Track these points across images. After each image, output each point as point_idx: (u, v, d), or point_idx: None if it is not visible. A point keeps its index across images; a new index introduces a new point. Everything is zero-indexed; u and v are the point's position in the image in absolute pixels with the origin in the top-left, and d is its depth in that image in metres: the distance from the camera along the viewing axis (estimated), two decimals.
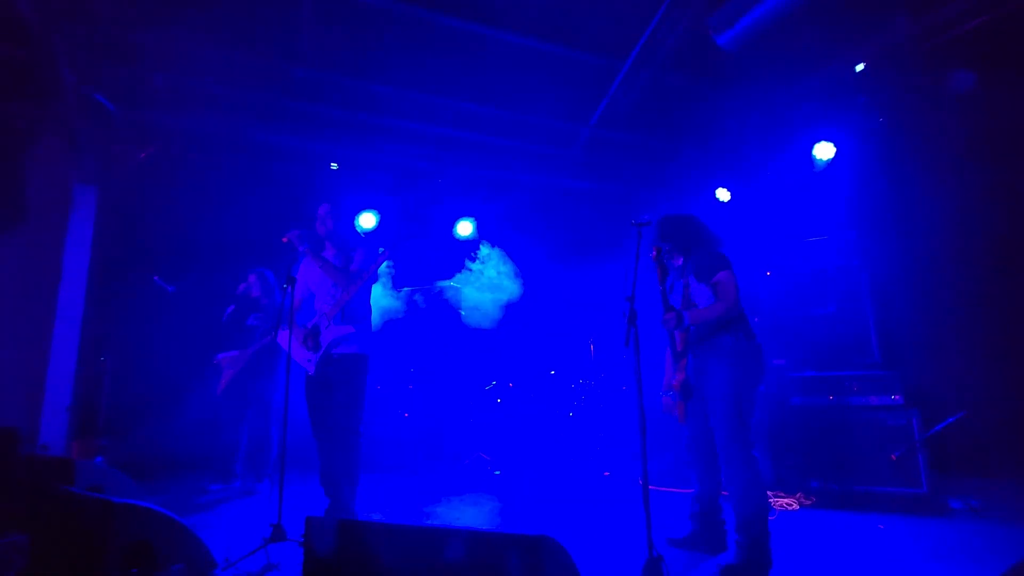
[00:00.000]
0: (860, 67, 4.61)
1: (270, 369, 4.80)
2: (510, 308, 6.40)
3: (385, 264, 5.47)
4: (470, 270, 6.43)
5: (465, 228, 6.63)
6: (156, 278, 4.94)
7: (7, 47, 4.23)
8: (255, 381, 4.77)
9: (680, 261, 3.16)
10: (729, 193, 5.88)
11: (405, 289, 6.29)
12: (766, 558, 2.64)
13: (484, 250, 6.44)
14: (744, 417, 2.78)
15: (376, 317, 6.02)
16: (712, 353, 2.92)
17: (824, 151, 5.07)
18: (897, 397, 4.03)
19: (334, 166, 6.09)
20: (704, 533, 3.04)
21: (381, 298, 6.14)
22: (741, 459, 2.74)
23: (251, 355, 4.77)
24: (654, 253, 2.87)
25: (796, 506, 4.03)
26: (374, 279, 3.78)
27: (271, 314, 4.83)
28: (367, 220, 6.38)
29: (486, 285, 6.24)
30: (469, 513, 4.04)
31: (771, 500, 3.64)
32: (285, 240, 3.46)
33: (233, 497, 4.45)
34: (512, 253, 6.65)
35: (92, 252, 5.14)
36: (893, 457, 3.88)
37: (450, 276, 6.42)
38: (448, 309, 6.37)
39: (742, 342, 2.87)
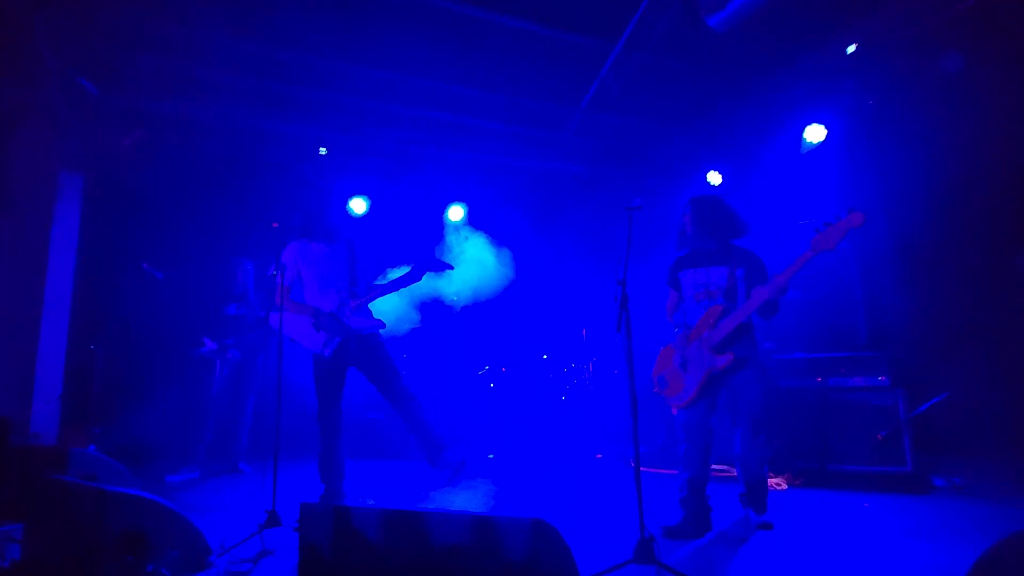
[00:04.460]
0: (851, 48, 4.59)
1: (265, 355, 4.93)
2: (502, 292, 6.39)
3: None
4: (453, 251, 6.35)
5: (456, 213, 6.59)
6: (145, 265, 4.91)
7: None
8: (253, 368, 4.92)
9: (713, 246, 3.22)
10: (720, 176, 5.87)
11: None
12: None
13: (466, 233, 6.35)
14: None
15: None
16: (746, 340, 3.13)
17: (815, 133, 5.06)
18: (883, 378, 4.08)
19: (323, 151, 6.02)
20: (694, 518, 3.08)
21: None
22: (764, 432, 3.11)
23: (248, 343, 4.87)
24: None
25: (785, 485, 4.10)
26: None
27: (258, 303, 4.90)
28: (357, 205, 6.33)
29: (470, 261, 6.17)
30: (463, 497, 4.07)
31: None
32: (275, 225, 3.43)
33: (227, 482, 4.48)
34: (503, 237, 6.62)
35: (79, 239, 5.08)
36: (879, 437, 3.95)
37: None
38: (438, 294, 6.35)
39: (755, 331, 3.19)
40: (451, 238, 6.18)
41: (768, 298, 2.92)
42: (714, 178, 5.90)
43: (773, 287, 2.90)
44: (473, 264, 5.90)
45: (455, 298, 6.17)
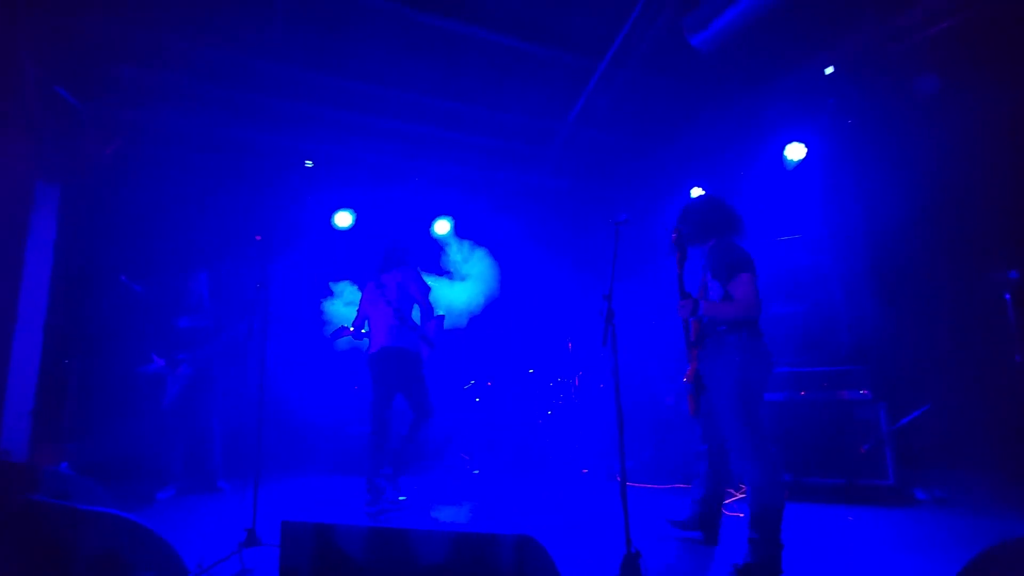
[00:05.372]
0: (830, 70, 4.71)
1: (230, 367, 4.90)
2: (488, 306, 6.37)
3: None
4: (449, 265, 6.35)
5: (443, 227, 6.59)
6: (123, 278, 4.82)
7: None
8: (211, 382, 4.81)
9: (704, 248, 3.03)
10: (703, 192, 5.95)
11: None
12: (778, 559, 2.54)
13: (466, 249, 6.38)
14: (752, 413, 2.70)
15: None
16: (717, 350, 2.84)
17: (796, 151, 5.16)
18: (865, 392, 4.13)
19: (309, 164, 5.99)
20: (703, 520, 3.07)
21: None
22: (752, 454, 2.65)
23: (203, 357, 4.78)
24: (674, 235, 2.89)
25: None
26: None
27: (213, 314, 4.92)
28: (343, 219, 6.30)
29: (469, 276, 6.17)
30: (448, 513, 4.02)
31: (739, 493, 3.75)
32: (259, 238, 3.40)
33: (206, 500, 4.37)
34: (489, 251, 6.63)
35: (55, 251, 4.98)
36: (862, 450, 3.98)
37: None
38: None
39: (745, 339, 2.80)
40: (445, 252, 6.20)
41: (682, 317, 2.84)
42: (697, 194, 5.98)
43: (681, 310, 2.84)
44: (466, 278, 5.90)
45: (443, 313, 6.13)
